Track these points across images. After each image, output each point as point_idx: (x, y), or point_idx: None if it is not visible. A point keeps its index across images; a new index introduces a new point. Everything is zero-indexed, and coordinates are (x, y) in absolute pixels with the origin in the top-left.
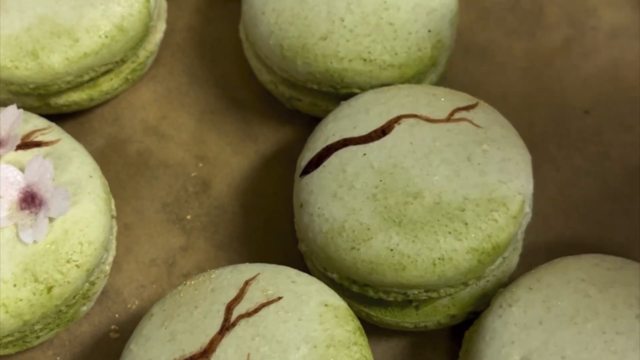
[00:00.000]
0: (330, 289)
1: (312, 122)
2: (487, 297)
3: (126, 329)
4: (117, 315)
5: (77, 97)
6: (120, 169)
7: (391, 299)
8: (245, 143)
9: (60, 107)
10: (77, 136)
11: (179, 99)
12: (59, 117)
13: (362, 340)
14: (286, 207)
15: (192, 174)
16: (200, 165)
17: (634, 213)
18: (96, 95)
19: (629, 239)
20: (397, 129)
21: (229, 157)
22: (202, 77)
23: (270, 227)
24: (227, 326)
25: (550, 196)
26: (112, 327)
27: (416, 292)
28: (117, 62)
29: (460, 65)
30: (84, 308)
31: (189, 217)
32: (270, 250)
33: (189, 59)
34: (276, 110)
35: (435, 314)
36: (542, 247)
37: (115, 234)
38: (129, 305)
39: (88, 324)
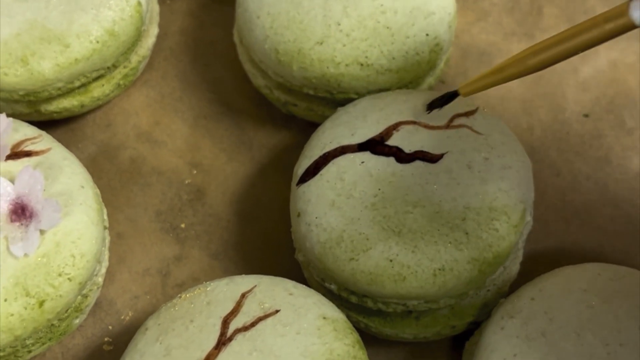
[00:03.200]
0: (328, 301)
1: (308, 127)
2: (488, 307)
3: (120, 340)
4: (110, 327)
5: (67, 103)
6: (113, 177)
7: (390, 309)
8: (240, 149)
9: (50, 113)
10: (69, 143)
11: (172, 104)
12: (50, 124)
13: (362, 353)
14: (282, 215)
15: (186, 182)
16: (195, 172)
17: (635, 219)
18: (87, 102)
19: (630, 245)
20: (396, 136)
21: (224, 163)
22: (196, 82)
23: (266, 235)
24: (223, 341)
25: (551, 202)
26: (106, 339)
27: (416, 302)
28: (108, 68)
29: (459, 68)
30: (77, 321)
31: (183, 225)
32: (267, 260)
33: (182, 64)
34: (271, 115)
35: (435, 325)
36: (542, 254)
37: (107, 244)
38: (122, 317)
39: (81, 337)
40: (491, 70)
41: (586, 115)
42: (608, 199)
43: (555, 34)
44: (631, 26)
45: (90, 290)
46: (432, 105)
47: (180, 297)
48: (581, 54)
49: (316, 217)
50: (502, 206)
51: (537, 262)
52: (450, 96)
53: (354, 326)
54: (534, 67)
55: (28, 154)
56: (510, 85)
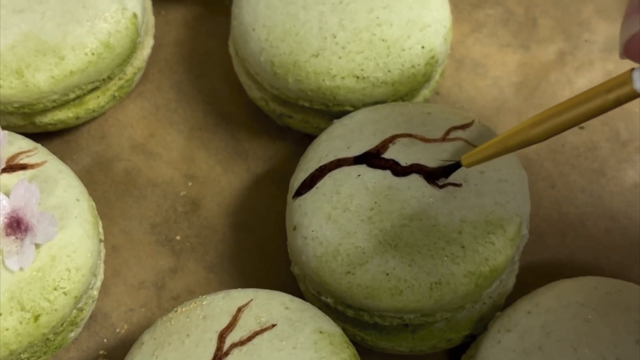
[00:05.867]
0: (324, 315)
1: (303, 138)
2: (484, 320)
3: (115, 354)
4: (105, 340)
5: (62, 115)
6: (108, 189)
7: (387, 323)
8: (236, 161)
9: (45, 125)
10: (63, 155)
11: (167, 115)
12: (44, 135)
13: None
14: (278, 227)
15: (181, 194)
16: (190, 184)
17: (631, 231)
18: (82, 114)
19: (626, 257)
20: (392, 149)
21: (219, 175)
22: (191, 93)
23: (262, 247)
24: (219, 355)
25: (546, 214)
26: (101, 352)
27: (412, 316)
28: (103, 80)
29: (454, 80)
30: (72, 334)
31: (178, 237)
32: (262, 272)
33: (177, 75)
34: (266, 127)
35: (432, 338)
36: (538, 267)
37: (103, 257)
38: (117, 330)
39: (76, 350)
40: (494, 142)
41: (581, 127)
42: (603, 211)
43: (558, 104)
44: (634, 95)
45: (86, 303)
46: (437, 176)
47: (176, 311)
48: (576, 65)
49: (312, 231)
50: (498, 219)
51: (533, 275)
52: (453, 167)
53: (350, 339)
54: (536, 137)
55: (23, 167)
56: (506, 96)
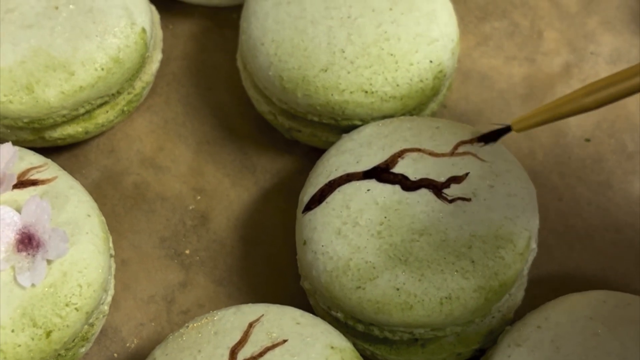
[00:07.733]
0: (335, 330)
1: (311, 152)
2: (493, 334)
3: None
4: (115, 355)
5: (72, 130)
6: (117, 203)
7: (397, 338)
8: (244, 174)
9: (55, 140)
10: (72, 169)
11: (175, 129)
12: (54, 150)
13: None
14: (287, 241)
15: (190, 207)
16: (198, 197)
17: (637, 243)
18: (92, 128)
19: (633, 269)
20: (401, 164)
21: (228, 189)
22: (199, 107)
23: (271, 261)
24: None
25: (553, 226)
26: None
27: (422, 331)
28: (113, 95)
29: (461, 92)
30: (83, 350)
31: (187, 251)
32: (271, 286)
33: (185, 89)
34: (274, 141)
35: (441, 352)
36: (545, 279)
37: (113, 272)
38: (127, 345)
39: None
40: (545, 107)
41: (587, 140)
42: (610, 223)
43: (613, 74)
44: None
45: (97, 319)
46: (486, 139)
47: (187, 326)
48: (582, 77)
49: (322, 245)
50: (507, 234)
51: (541, 287)
52: (503, 131)
53: (361, 354)
54: (589, 105)
55: (34, 182)
56: (512, 109)
